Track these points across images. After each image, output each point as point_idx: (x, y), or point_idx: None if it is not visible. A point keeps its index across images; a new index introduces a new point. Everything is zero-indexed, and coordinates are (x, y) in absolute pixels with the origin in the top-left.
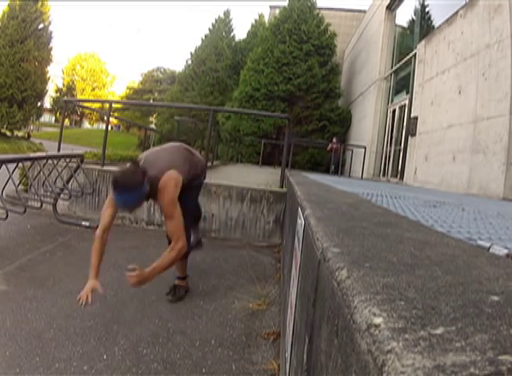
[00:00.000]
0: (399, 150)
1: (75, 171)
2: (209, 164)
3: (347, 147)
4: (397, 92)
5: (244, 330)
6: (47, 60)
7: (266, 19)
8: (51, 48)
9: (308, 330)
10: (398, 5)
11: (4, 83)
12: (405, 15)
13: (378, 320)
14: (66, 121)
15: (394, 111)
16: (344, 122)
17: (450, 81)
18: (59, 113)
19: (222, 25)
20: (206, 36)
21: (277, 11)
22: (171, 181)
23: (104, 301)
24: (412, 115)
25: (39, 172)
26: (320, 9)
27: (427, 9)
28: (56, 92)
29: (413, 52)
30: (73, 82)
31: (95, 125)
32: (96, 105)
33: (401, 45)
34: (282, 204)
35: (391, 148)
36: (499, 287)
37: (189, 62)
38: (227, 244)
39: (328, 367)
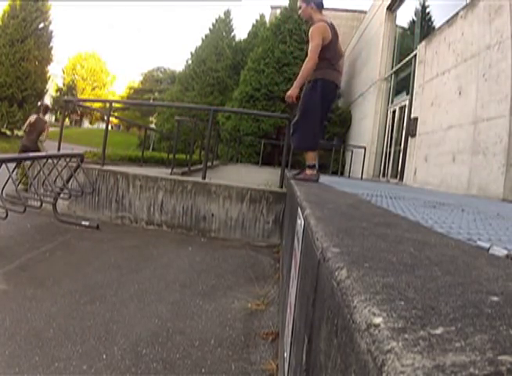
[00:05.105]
0: (399, 151)
1: (75, 171)
2: (209, 164)
3: (347, 147)
4: (397, 92)
5: (243, 330)
6: (47, 60)
7: (267, 19)
8: (51, 48)
9: (308, 330)
10: (398, 6)
11: (4, 82)
12: (405, 16)
13: (378, 320)
14: (67, 121)
15: (394, 112)
16: (344, 122)
17: (450, 82)
18: (60, 113)
19: (223, 25)
20: (206, 36)
21: (278, 11)
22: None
23: (104, 301)
24: (412, 116)
25: (39, 172)
26: None
27: (427, 10)
28: (56, 91)
29: (414, 53)
30: (73, 82)
31: (96, 125)
32: (96, 104)
33: (401, 46)
34: (281, 204)
35: (390, 149)
36: (499, 288)
37: (190, 62)
38: (227, 243)
39: (327, 367)
